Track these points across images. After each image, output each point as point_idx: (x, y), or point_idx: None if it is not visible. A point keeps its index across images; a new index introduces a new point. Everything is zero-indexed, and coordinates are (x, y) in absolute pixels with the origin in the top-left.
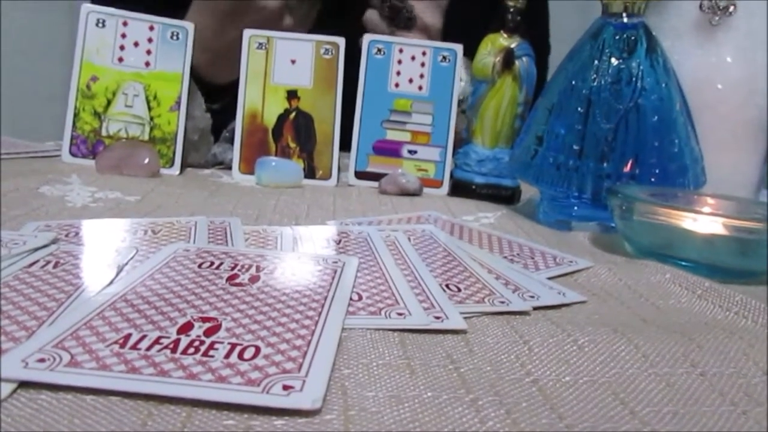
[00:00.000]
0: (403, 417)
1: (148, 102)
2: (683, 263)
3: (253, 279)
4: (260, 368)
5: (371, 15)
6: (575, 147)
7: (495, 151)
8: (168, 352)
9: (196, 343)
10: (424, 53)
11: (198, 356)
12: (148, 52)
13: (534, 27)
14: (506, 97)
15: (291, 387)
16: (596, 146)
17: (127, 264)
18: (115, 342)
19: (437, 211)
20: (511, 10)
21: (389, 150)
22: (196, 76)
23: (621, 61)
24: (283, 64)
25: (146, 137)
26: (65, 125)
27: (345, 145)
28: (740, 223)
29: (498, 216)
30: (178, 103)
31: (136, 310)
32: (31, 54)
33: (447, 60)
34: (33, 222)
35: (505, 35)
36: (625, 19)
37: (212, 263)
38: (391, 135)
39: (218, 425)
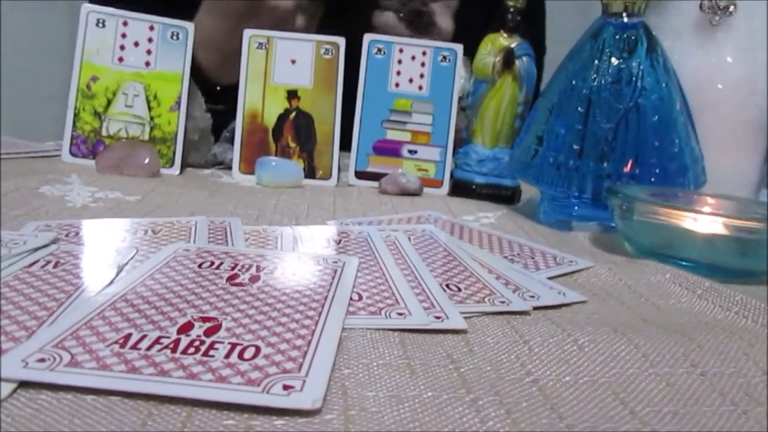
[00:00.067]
0: (403, 417)
1: (148, 102)
2: (683, 263)
3: (254, 279)
4: (260, 368)
5: (387, 18)
6: (575, 147)
7: (495, 151)
8: (168, 351)
9: (197, 343)
10: (424, 53)
11: (198, 356)
12: (149, 52)
13: (531, 28)
14: (506, 96)
15: (291, 387)
16: (596, 146)
17: (127, 264)
18: (116, 342)
19: (437, 211)
20: (511, 10)
21: (389, 150)
22: (203, 76)
23: (621, 60)
24: (283, 64)
25: (146, 137)
26: (65, 125)
27: (345, 145)
28: (740, 223)
29: (498, 216)
30: (179, 103)
31: (137, 310)
32: (31, 54)
33: (447, 60)
34: (33, 222)
35: (505, 35)
36: (626, 19)
37: (212, 263)
38: (392, 135)
39: (218, 425)
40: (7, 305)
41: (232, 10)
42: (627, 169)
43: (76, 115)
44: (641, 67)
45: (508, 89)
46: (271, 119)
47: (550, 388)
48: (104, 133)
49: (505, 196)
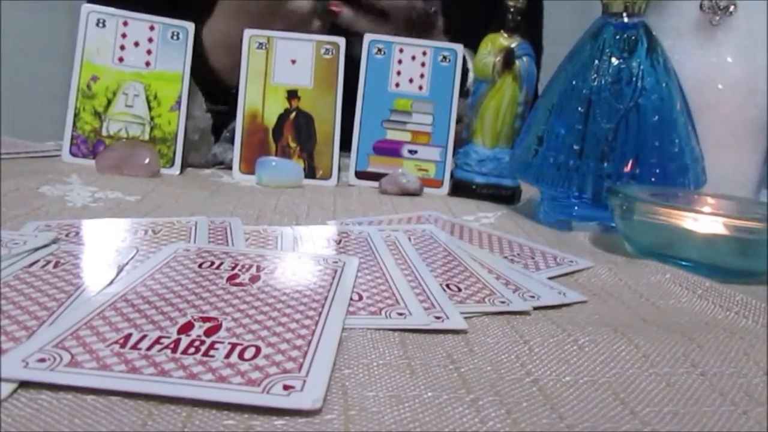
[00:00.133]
0: (403, 417)
1: (148, 102)
2: (684, 263)
3: (254, 279)
4: (261, 368)
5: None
6: (575, 147)
7: (495, 151)
8: (168, 351)
9: (197, 343)
10: (424, 53)
11: (198, 356)
12: (149, 52)
13: (529, 28)
14: (506, 96)
15: (291, 387)
16: (596, 146)
17: (127, 264)
18: (116, 342)
19: (437, 211)
20: (512, 10)
21: (389, 150)
22: (216, 78)
23: (621, 60)
24: (283, 64)
25: (146, 137)
26: (65, 125)
27: (345, 145)
28: (741, 223)
29: (498, 216)
30: (179, 102)
31: (137, 310)
32: (31, 54)
33: (447, 60)
34: (33, 222)
35: (505, 35)
36: (626, 19)
37: (212, 263)
38: (392, 135)
39: (218, 425)
40: (7, 305)
41: (248, 13)
42: (627, 169)
43: (76, 115)
44: (641, 67)
45: (508, 89)
46: (271, 119)
47: (550, 388)
48: (104, 133)
49: (506, 196)
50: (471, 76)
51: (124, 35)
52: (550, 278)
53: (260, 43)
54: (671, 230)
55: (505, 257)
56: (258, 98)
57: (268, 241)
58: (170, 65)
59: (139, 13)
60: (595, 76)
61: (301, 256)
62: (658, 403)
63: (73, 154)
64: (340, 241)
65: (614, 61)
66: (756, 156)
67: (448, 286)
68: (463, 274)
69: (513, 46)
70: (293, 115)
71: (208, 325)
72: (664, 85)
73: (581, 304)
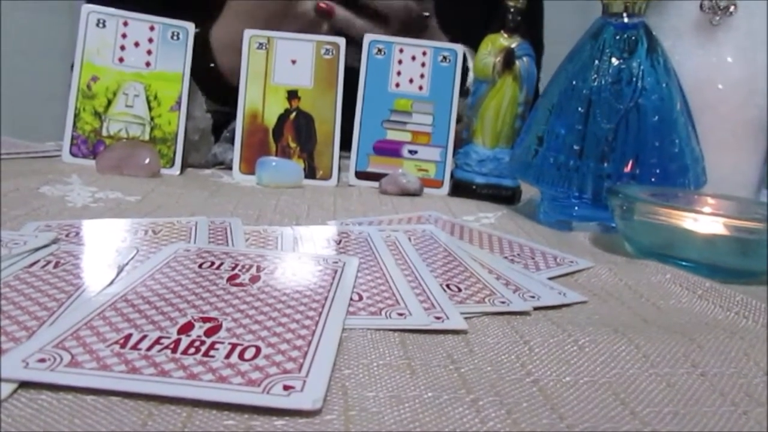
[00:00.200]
0: (403, 417)
1: (148, 102)
2: (684, 263)
3: (254, 279)
4: (261, 368)
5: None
6: (576, 147)
7: (495, 151)
8: (168, 352)
9: (197, 344)
10: (424, 53)
11: (198, 356)
12: (149, 53)
13: (529, 28)
14: (507, 97)
15: (291, 387)
16: (597, 146)
17: (127, 264)
18: (116, 342)
19: (438, 211)
20: (512, 10)
21: (390, 150)
22: (225, 79)
23: (621, 61)
24: (283, 64)
25: (147, 137)
26: (66, 125)
27: (345, 146)
28: (741, 223)
29: (498, 216)
30: (179, 103)
31: (137, 311)
32: (31, 54)
33: (447, 60)
34: (33, 222)
35: (505, 35)
36: (626, 19)
37: (213, 263)
38: (392, 135)
39: (219, 425)
40: (7, 305)
41: (259, 15)
42: (627, 169)
43: (76, 116)
44: (641, 67)
45: (508, 89)
46: (271, 119)
47: (550, 388)
48: (104, 133)
49: (506, 197)
50: (471, 75)
51: (124, 35)
52: (551, 278)
53: (260, 44)
54: (671, 230)
55: (506, 257)
56: (258, 98)
57: (269, 242)
58: (170, 65)
59: (144, 14)
60: (595, 76)
61: (301, 256)
62: (659, 403)
63: (73, 155)
64: (340, 241)
65: (614, 61)
66: (756, 156)
67: (448, 286)
68: (464, 274)
69: (513, 46)
70: (293, 115)
71: (208, 325)
72: (664, 85)
73: (581, 305)
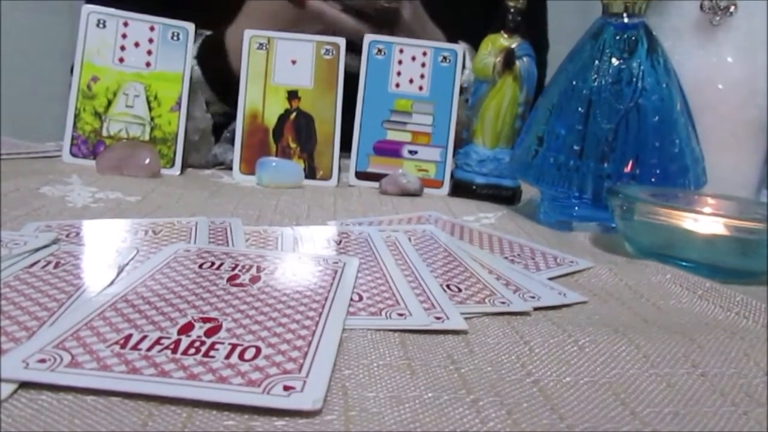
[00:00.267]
0: (403, 417)
1: (148, 102)
2: (684, 263)
3: (254, 279)
4: (261, 369)
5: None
6: (576, 147)
7: (495, 152)
8: (168, 352)
9: (197, 344)
10: (424, 53)
11: (198, 357)
12: (149, 53)
13: (532, 26)
14: (507, 97)
15: (292, 387)
16: (597, 146)
17: (127, 264)
18: (116, 342)
19: (438, 211)
20: (512, 10)
21: (390, 150)
22: (235, 81)
23: (621, 61)
24: (283, 65)
25: (147, 137)
26: (66, 126)
27: (345, 146)
28: (741, 224)
29: (498, 216)
30: (179, 103)
31: (137, 311)
32: (31, 54)
33: (447, 60)
34: (34, 222)
35: (505, 35)
36: (626, 19)
37: (213, 264)
38: (392, 135)
39: (219, 426)
40: (7, 305)
41: (276, 18)
42: (627, 169)
43: (76, 116)
44: (642, 67)
45: (508, 90)
46: (271, 120)
47: (550, 388)
48: (105, 133)
49: (506, 197)
50: (467, 72)
51: (124, 36)
52: (551, 279)
53: (260, 44)
54: (671, 231)
55: (506, 258)
56: (258, 99)
57: (269, 242)
58: (170, 66)
59: (157, 16)
60: (596, 76)
61: (301, 256)
62: (659, 403)
63: (73, 155)
64: (341, 241)
65: (614, 61)
66: (756, 156)
67: (448, 286)
68: (464, 274)
69: (513, 46)
70: (293, 115)
71: (208, 325)
72: (664, 85)
73: (582, 305)
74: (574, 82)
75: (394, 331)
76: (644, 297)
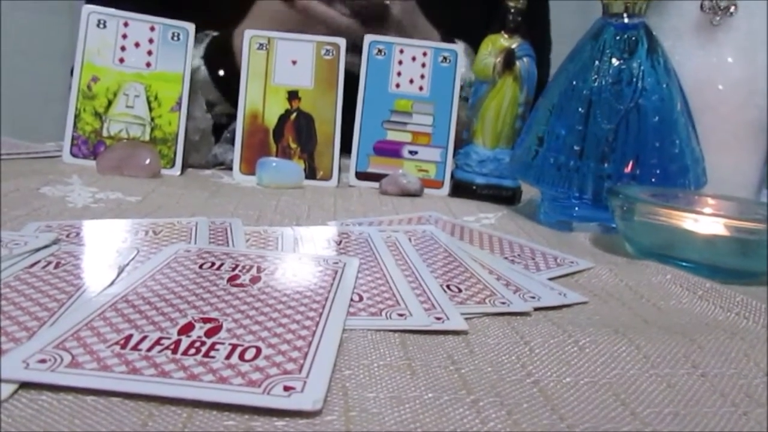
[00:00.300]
0: (404, 418)
1: (149, 102)
2: (684, 264)
3: (254, 280)
4: (261, 369)
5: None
6: (576, 147)
7: (496, 152)
8: (169, 352)
9: (197, 344)
10: (424, 54)
11: (199, 357)
12: (149, 53)
13: (534, 25)
14: (507, 97)
15: (292, 388)
16: (597, 147)
17: (128, 265)
18: (116, 343)
19: (438, 211)
20: (512, 10)
21: (390, 150)
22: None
23: (622, 61)
24: (283, 65)
25: (147, 138)
26: (66, 126)
27: (346, 146)
28: (741, 224)
29: (499, 217)
30: (179, 103)
31: (137, 311)
32: (31, 54)
33: (447, 60)
34: (34, 222)
35: (505, 36)
36: (626, 20)
37: (213, 264)
38: (392, 135)
39: (219, 426)
40: (7, 306)
41: (286, 19)
42: (627, 169)
43: (76, 116)
44: (642, 67)
45: (508, 90)
46: (271, 120)
47: (551, 389)
48: (105, 133)
49: (506, 197)
50: (464, 71)
51: (124, 36)
52: (551, 279)
53: (261, 44)
54: (672, 231)
55: (506, 258)
56: (258, 99)
57: (269, 242)
58: (171, 66)
59: (163, 17)
60: (596, 76)
61: (301, 257)
62: (659, 404)
63: (73, 155)
64: (341, 241)
65: (615, 61)
66: (756, 157)
67: (448, 286)
68: (464, 274)
69: (513, 46)
70: (294, 115)
71: (208, 326)
72: (664, 85)
73: (582, 305)
74: (574, 83)
75: (395, 331)
76: (644, 297)
